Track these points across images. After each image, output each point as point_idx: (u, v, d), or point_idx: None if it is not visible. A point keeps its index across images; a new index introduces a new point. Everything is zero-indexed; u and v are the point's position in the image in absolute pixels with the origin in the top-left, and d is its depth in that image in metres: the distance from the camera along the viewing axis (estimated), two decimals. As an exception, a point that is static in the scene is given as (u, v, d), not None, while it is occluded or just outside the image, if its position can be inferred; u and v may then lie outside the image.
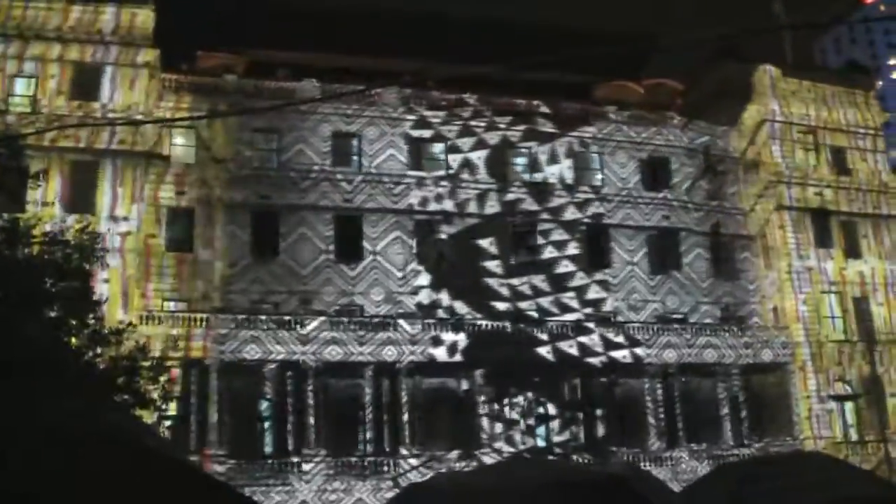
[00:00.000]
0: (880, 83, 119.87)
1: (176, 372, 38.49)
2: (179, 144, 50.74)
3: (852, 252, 56.48)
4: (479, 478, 10.37)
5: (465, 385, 47.64)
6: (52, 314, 22.99)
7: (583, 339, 48.95)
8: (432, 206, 52.35)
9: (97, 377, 23.31)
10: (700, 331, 51.80)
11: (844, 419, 52.89)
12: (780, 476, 9.36)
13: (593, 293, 53.60)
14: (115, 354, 25.54)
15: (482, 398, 46.91)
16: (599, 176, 56.08)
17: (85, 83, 45.73)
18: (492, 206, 53.25)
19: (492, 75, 52.28)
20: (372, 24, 57.48)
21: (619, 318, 52.82)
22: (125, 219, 42.55)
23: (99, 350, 24.87)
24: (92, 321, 24.60)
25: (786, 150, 56.89)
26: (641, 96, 61.49)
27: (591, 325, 50.28)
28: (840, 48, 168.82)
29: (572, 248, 54.02)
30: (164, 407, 28.78)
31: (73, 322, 24.01)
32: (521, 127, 55.04)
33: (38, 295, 21.97)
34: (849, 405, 53.01)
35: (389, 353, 45.75)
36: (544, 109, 55.66)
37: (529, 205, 54.07)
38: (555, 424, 48.51)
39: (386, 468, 44.08)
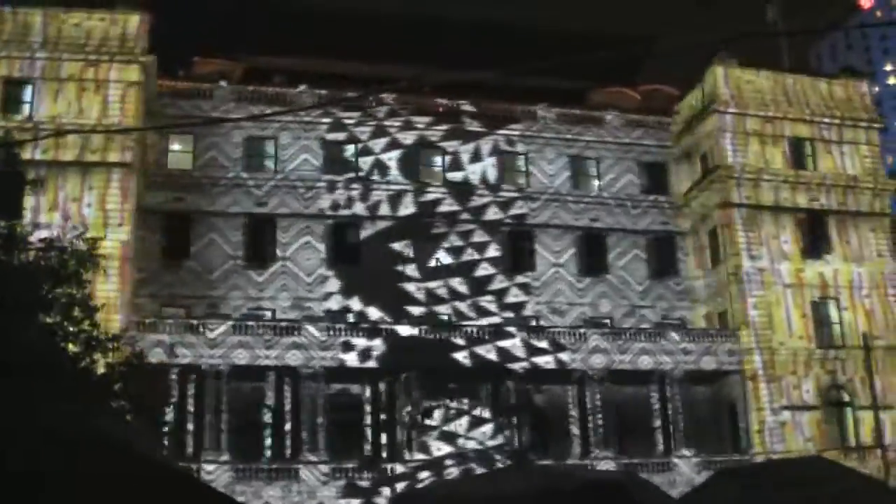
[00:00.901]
0: (876, 89, 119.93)
1: None
2: (176, 150, 50.92)
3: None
4: (473, 486, 10.37)
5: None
6: (49, 320, 22.98)
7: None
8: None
9: (94, 383, 23.31)
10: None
11: (848, 427, 50.67)
12: (787, 485, 9.31)
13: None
14: (111, 360, 25.54)
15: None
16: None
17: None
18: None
19: (488, 80, 52.18)
20: (369, 30, 57.55)
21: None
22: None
23: (96, 356, 24.86)
24: (88, 327, 24.58)
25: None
26: (638, 102, 61.49)
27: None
28: (836, 54, 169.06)
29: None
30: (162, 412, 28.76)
31: (70, 328, 24.00)
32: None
33: (34, 300, 21.96)
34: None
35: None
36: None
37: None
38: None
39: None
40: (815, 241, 53.36)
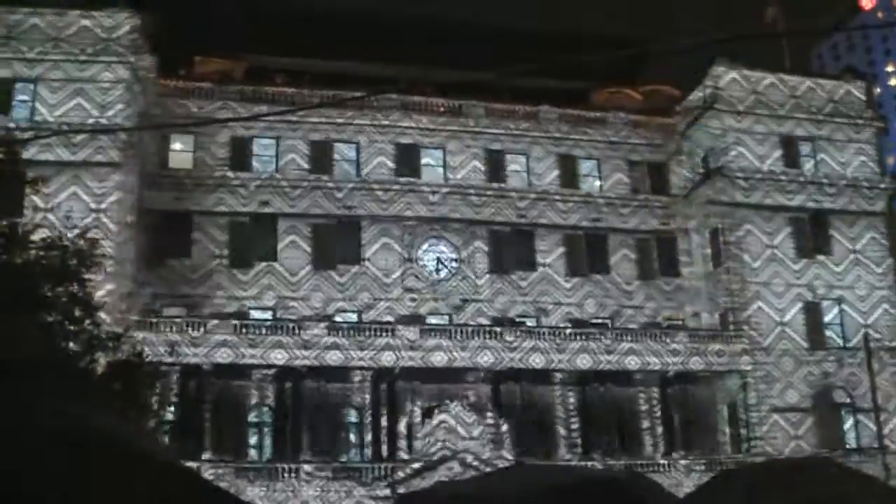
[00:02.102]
0: (878, 90, 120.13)
1: None
2: (178, 150, 51.00)
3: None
4: (477, 485, 10.38)
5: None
6: (50, 318, 22.98)
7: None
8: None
9: (95, 382, 23.33)
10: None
11: (845, 429, 50.53)
12: (791, 486, 9.29)
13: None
14: (112, 359, 25.56)
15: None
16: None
17: None
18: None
19: (489, 81, 52.21)
20: (370, 30, 57.58)
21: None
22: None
23: (97, 355, 24.87)
24: (89, 326, 24.58)
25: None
26: (639, 102, 61.50)
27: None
28: (838, 55, 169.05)
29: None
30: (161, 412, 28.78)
31: (71, 327, 24.00)
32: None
33: (35, 299, 21.97)
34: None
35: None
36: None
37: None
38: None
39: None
40: (812, 242, 53.22)
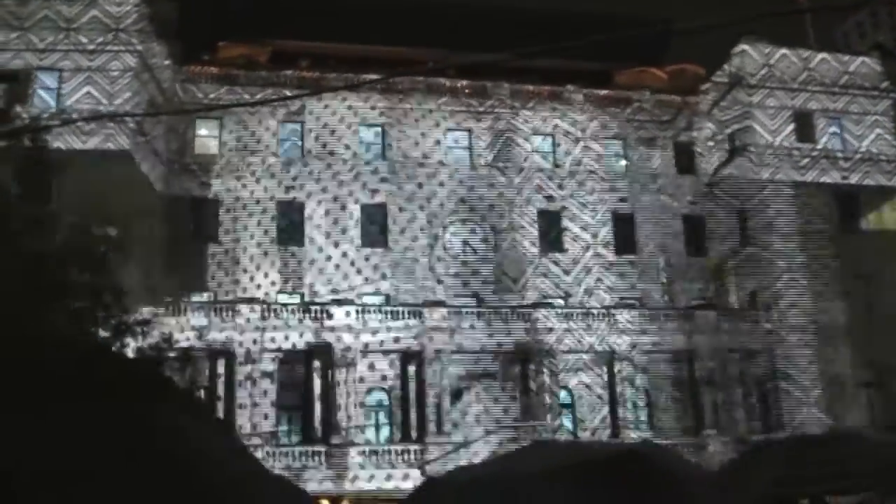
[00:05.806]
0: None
1: None
2: (203, 135, 51.14)
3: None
4: (499, 464, 10.47)
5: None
6: (79, 305, 23.18)
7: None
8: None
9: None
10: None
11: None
12: (825, 459, 9.29)
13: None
14: (140, 345, 25.76)
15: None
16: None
17: None
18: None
19: (513, 62, 51.97)
20: (393, 13, 57.35)
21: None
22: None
23: (126, 340, 25.06)
24: (117, 311, 24.76)
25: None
26: (664, 81, 61.00)
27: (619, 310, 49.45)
28: (863, 32, 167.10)
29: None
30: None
31: (99, 313, 24.18)
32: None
33: (64, 286, 22.17)
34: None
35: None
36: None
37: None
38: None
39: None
40: (841, 218, 52.85)
